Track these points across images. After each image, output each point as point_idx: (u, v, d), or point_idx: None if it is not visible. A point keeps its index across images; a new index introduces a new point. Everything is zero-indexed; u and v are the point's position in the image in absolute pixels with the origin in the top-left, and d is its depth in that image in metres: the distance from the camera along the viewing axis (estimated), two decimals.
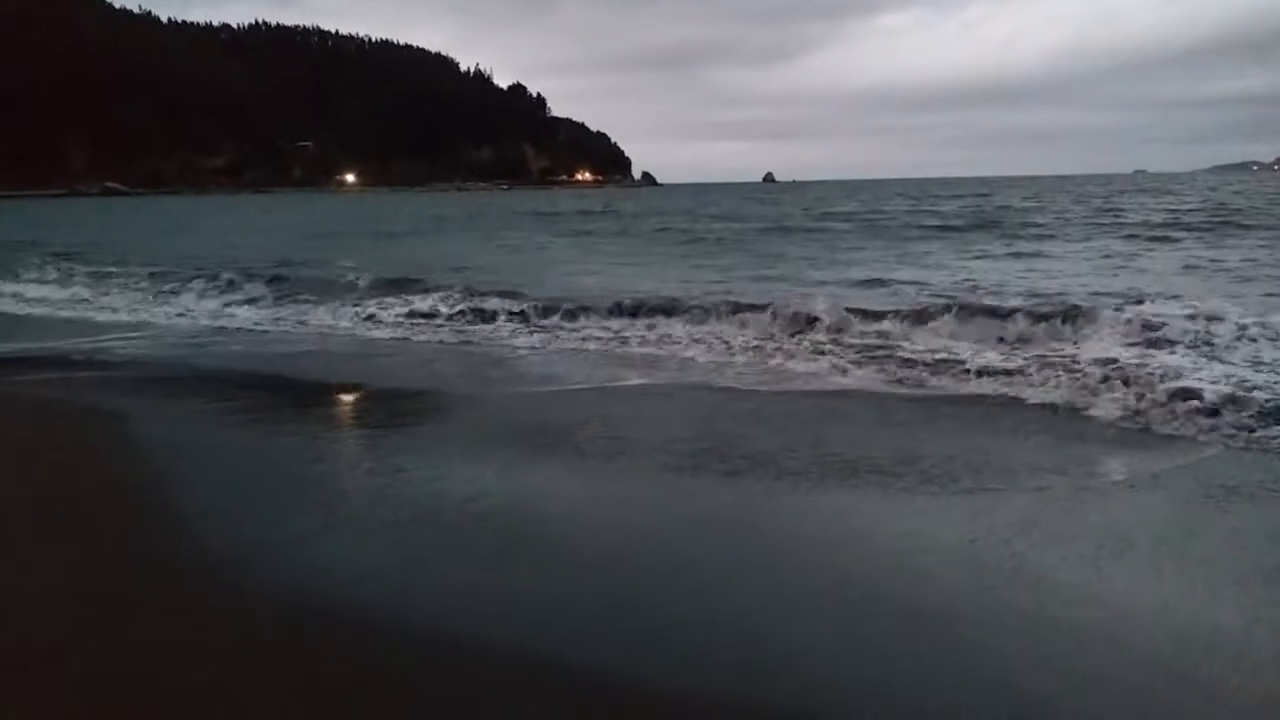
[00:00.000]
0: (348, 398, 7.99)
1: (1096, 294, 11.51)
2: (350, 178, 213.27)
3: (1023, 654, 3.23)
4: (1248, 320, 8.04)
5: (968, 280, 14.12)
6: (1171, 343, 7.79)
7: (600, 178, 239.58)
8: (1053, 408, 6.62)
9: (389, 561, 4.13)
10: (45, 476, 5.67)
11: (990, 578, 3.79)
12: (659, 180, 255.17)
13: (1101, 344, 8.04)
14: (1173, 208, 33.99)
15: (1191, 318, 8.23)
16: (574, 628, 3.49)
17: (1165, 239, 21.04)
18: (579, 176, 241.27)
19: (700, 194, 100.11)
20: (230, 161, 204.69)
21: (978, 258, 18.44)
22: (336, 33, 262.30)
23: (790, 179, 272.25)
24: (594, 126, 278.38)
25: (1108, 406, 6.43)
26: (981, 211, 35.92)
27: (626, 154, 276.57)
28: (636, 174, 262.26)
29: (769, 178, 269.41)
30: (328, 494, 5.06)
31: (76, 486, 5.45)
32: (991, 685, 3.03)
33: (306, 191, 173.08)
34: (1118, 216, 30.15)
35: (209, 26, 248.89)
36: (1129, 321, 8.40)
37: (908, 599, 3.65)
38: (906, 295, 12.25)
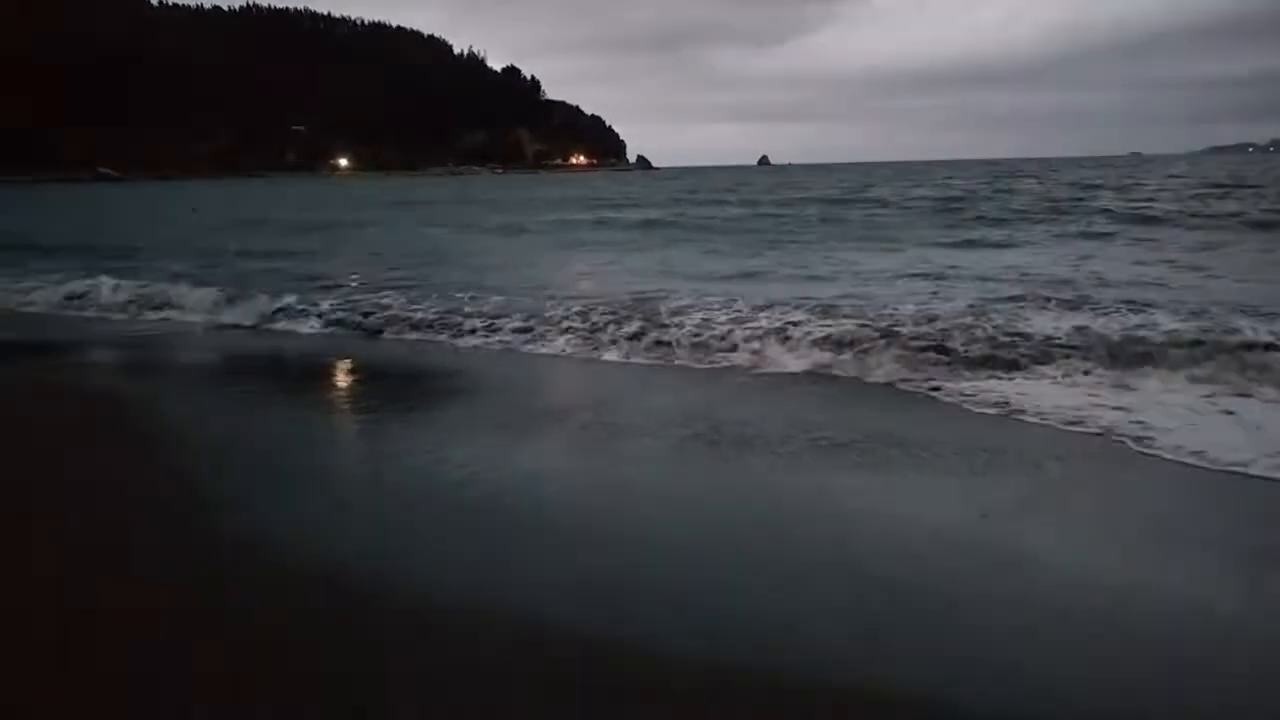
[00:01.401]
0: None
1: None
2: (343, 162, 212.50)
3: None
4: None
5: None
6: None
7: (595, 161, 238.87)
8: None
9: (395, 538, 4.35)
10: (55, 462, 5.81)
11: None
12: (654, 164, 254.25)
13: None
14: (1146, 194, 34.14)
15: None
16: (574, 600, 3.62)
17: (1140, 222, 21.39)
18: (574, 160, 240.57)
19: (688, 177, 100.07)
20: (223, 146, 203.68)
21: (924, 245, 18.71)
22: (329, 15, 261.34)
23: (786, 162, 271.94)
24: (589, 109, 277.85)
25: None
26: (947, 197, 35.91)
27: (621, 137, 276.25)
28: (631, 157, 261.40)
29: (764, 161, 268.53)
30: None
31: (84, 472, 5.58)
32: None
33: (300, 176, 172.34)
34: (1091, 203, 30.31)
35: (199, 9, 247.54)
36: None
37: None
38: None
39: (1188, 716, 2.91)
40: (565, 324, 9.80)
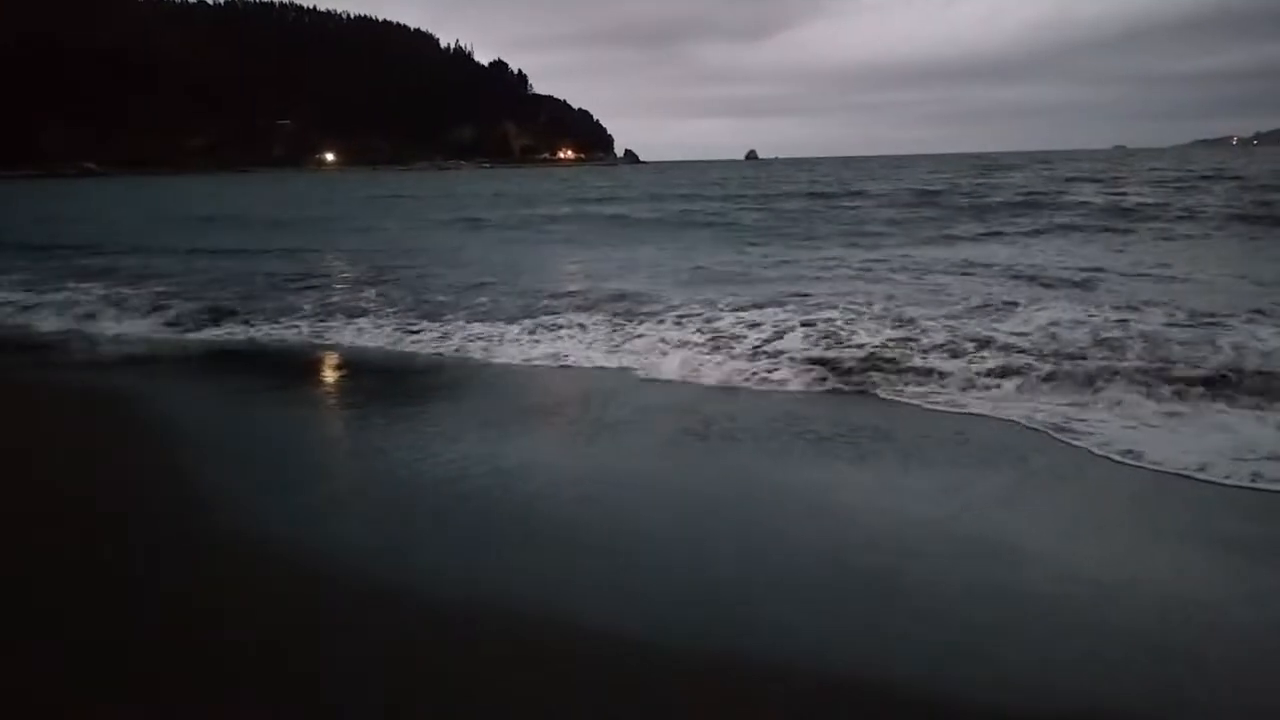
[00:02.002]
0: None
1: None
2: (330, 157, 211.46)
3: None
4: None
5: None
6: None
7: (582, 156, 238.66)
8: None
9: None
10: (55, 460, 5.87)
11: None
12: (641, 158, 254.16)
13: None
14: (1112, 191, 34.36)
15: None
16: (572, 596, 3.69)
17: (1117, 215, 21.63)
18: (561, 155, 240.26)
19: (675, 171, 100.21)
20: (209, 141, 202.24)
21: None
22: (314, 9, 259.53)
23: (773, 156, 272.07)
24: (576, 104, 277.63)
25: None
26: (929, 191, 36.02)
27: (609, 132, 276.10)
28: (619, 151, 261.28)
29: (751, 155, 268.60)
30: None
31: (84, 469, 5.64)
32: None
33: (286, 171, 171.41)
34: (1070, 196, 30.48)
35: (184, 3, 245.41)
36: None
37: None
38: None
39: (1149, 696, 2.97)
40: (544, 325, 9.79)
